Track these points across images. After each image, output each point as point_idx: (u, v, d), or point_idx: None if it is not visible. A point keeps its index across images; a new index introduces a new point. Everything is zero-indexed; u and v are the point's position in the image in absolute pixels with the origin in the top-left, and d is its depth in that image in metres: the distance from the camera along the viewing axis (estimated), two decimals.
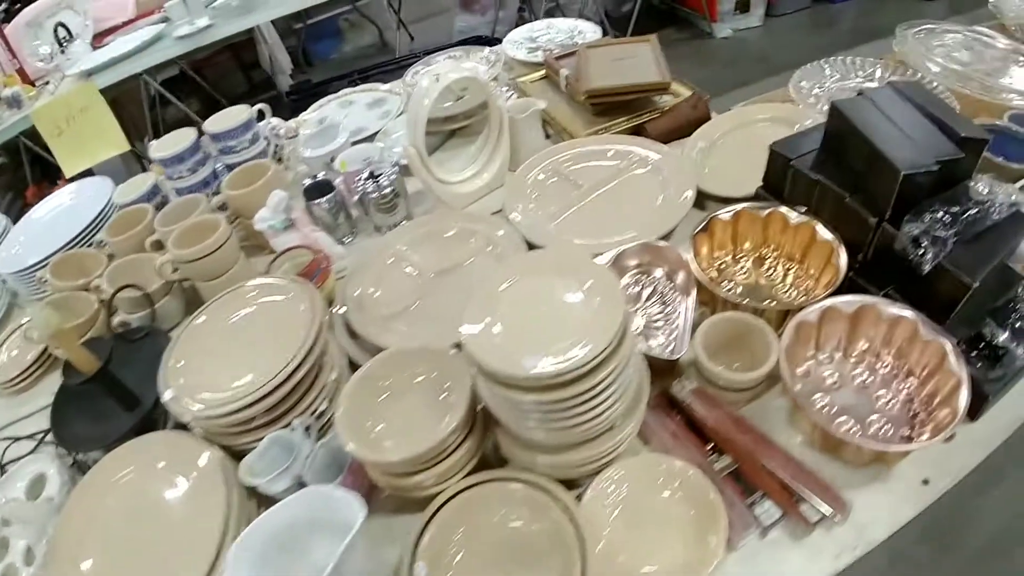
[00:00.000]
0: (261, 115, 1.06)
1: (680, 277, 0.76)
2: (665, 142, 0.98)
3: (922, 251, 0.64)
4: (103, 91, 1.80)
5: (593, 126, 1.02)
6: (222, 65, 2.38)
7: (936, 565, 1.35)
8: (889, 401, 0.66)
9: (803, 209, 0.77)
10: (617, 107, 1.03)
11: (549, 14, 2.83)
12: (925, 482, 0.62)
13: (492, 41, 2.61)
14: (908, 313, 0.67)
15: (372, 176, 0.93)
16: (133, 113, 2.03)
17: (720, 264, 0.81)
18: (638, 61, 1.05)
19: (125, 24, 1.99)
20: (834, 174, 0.74)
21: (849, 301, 0.68)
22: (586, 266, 0.58)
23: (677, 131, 0.99)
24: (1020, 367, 0.66)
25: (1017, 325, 0.68)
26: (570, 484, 0.63)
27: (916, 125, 0.71)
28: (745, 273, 0.79)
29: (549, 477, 0.61)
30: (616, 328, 0.52)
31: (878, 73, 1.09)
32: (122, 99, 2.02)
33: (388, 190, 0.93)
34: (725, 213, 0.79)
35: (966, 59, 1.14)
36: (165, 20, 1.88)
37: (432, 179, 0.93)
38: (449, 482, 0.63)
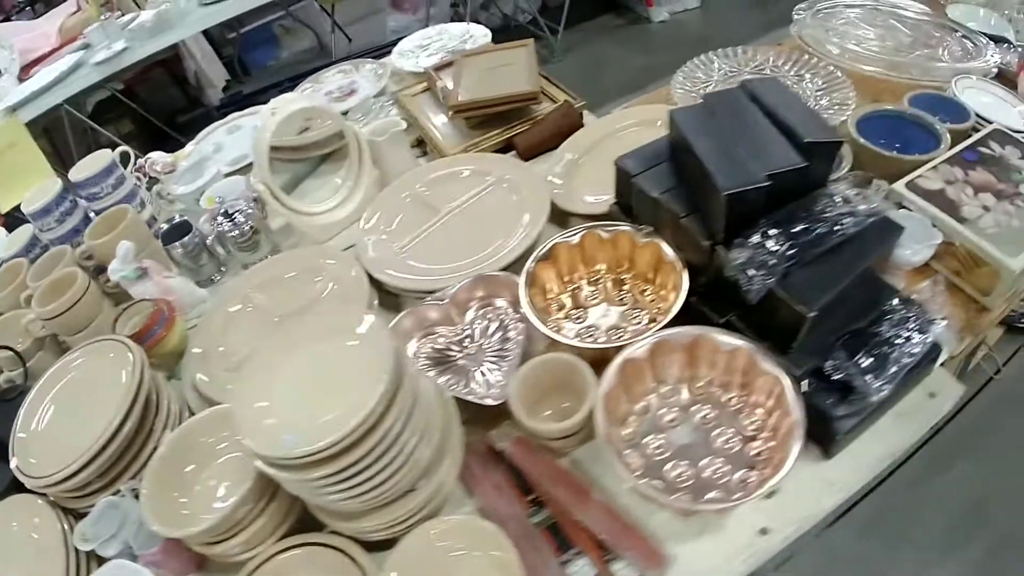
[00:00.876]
0: (126, 157, 1.03)
1: None
2: (536, 155, 0.93)
3: (748, 279, 0.59)
4: (34, 123, 1.79)
5: (468, 141, 0.97)
6: (156, 80, 2.35)
7: (888, 562, 1.30)
8: (729, 440, 0.62)
9: (648, 229, 0.71)
10: (491, 120, 0.97)
11: (484, 8, 2.75)
12: (763, 532, 0.58)
13: None
14: (743, 344, 0.62)
15: (227, 214, 0.89)
16: (68, 140, 2.02)
17: (575, 288, 0.76)
18: (512, 69, 0.99)
19: (51, 53, 1.97)
20: (675, 191, 0.68)
21: (681, 333, 0.63)
22: (356, 326, 0.54)
23: (549, 141, 0.93)
24: (878, 401, 0.60)
25: (879, 351, 0.62)
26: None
27: (758, 133, 0.65)
28: (597, 298, 0.75)
29: (356, 541, 0.59)
30: (376, 398, 0.48)
31: (771, 62, 1.02)
32: (54, 127, 2.00)
33: (246, 227, 0.89)
34: (570, 236, 0.74)
35: (871, 36, 1.06)
36: (86, 46, 1.85)
37: (290, 212, 0.89)
38: (259, 548, 0.60)
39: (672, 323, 0.64)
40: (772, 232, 0.60)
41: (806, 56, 1.00)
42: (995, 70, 1.00)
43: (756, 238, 0.59)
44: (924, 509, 1.32)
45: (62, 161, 1.96)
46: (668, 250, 0.69)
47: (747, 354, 0.61)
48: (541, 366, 0.64)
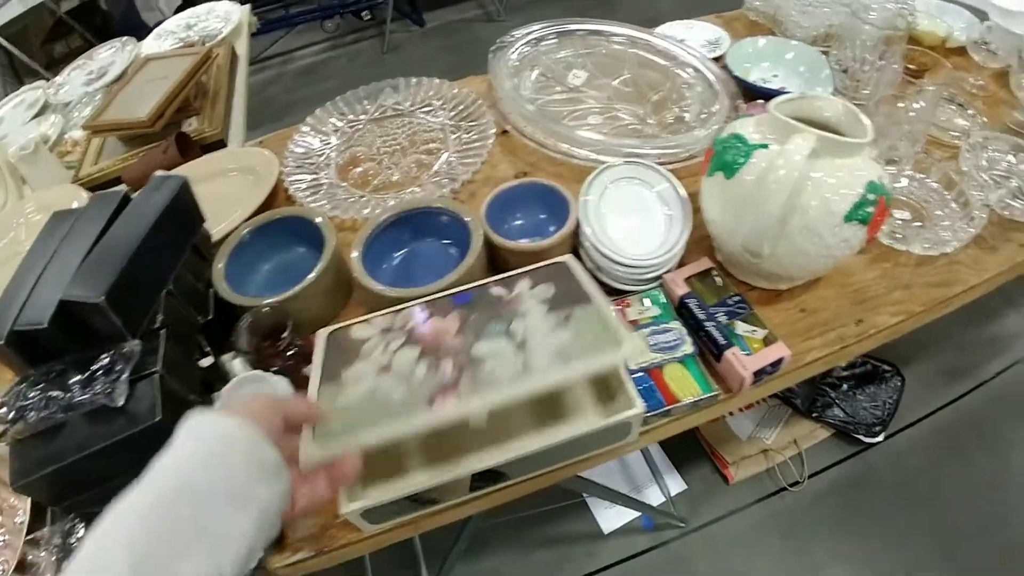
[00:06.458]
0: None
1: None
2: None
3: None
4: None
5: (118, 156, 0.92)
6: None
7: None
8: None
9: None
10: (141, 137, 0.91)
11: None
12: None
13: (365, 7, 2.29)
14: None
15: None
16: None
17: None
18: (167, 83, 0.90)
19: None
20: None
21: None
22: None
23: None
24: None
25: None
26: None
27: (64, 268, 0.54)
28: None
29: None
30: None
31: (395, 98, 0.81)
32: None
33: None
34: None
35: (580, 78, 0.78)
36: None
37: None
38: None
39: None
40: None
41: (479, 102, 0.79)
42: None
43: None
44: None
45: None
46: None
47: None
48: None
